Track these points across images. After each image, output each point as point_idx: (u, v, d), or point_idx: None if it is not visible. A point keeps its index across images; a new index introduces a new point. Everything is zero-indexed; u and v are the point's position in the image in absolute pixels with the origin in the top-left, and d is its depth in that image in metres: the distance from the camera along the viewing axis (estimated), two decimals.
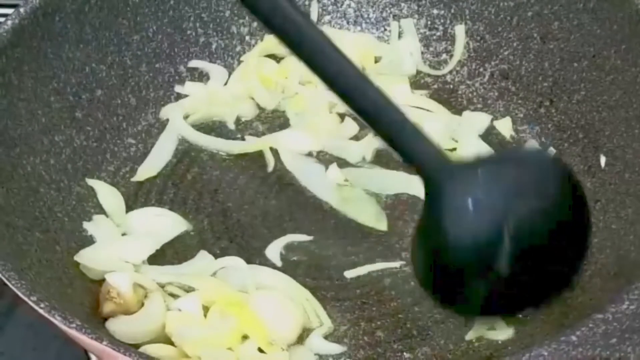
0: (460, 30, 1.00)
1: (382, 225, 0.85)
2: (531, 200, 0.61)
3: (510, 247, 0.59)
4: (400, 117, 0.60)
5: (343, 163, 0.91)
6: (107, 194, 0.87)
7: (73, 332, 0.60)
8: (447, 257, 0.62)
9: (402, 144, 0.61)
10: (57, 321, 0.60)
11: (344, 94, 0.60)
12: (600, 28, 0.88)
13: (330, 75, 0.60)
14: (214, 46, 1.01)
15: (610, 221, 0.81)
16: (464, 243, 0.61)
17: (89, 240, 0.83)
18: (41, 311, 0.61)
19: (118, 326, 0.74)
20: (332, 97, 0.64)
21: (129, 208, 0.87)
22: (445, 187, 0.60)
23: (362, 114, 0.61)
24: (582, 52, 0.90)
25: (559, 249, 0.63)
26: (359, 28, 1.04)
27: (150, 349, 0.72)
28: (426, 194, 0.62)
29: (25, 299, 0.62)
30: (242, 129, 0.96)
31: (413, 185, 0.86)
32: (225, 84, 1.00)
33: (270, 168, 0.91)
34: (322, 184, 0.89)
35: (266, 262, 0.82)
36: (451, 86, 1.00)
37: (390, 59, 1.01)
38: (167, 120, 0.96)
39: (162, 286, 0.78)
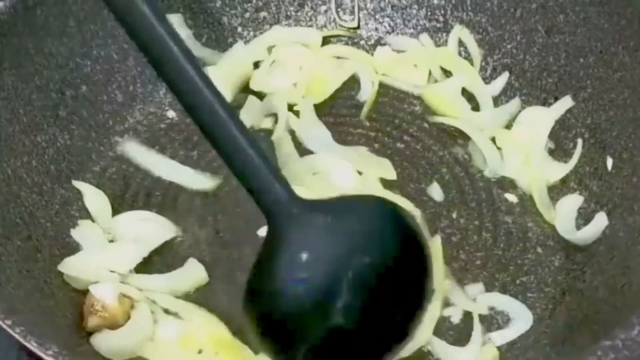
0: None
1: None
2: (369, 252, 0.58)
3: (347, 299, 0.56)
4: (251, 150, 0.58)
5: None
6: (93, 197, 0.83)
7: None
8: (278, 304, 0.57)
9: (248, 176, 0.59)
10: (33, 347, 0.57)
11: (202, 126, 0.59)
12: (607, 22, 0.84)
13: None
14: (204, 38, 0.97)
15: (617, 228, 0.77)
16: (297, 292, 0.57)
17: (73, 247, 0.79)
18: (17, 336, 0.57)
19: (103, 342, 0.70)
20: None
21: (115, 211, 0.83)
22: (287, 233, 0.58)
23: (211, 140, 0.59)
24: (588, 47, 0.86)
25: (397, 300, 0.59)
26: (355, 20, 1.00)
27: None
28: (268, 232, 0.60)
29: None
30: None
31: None
32: None
33: None
34: None
35: None
36: None
37: None
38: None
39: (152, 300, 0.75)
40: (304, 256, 0.57)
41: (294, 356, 0.57)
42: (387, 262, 0.58)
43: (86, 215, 0.82)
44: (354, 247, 0.57)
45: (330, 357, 0.58)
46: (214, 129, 0.58)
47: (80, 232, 0.80)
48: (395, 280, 0.58)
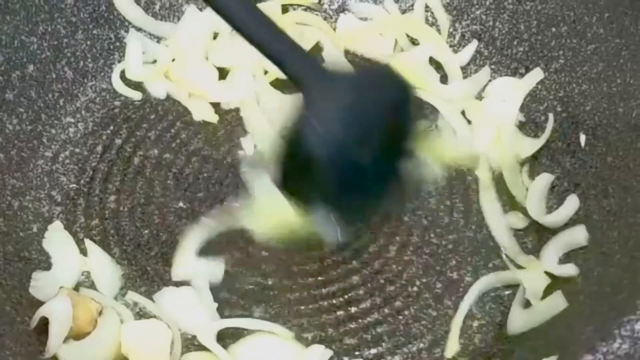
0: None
1: None
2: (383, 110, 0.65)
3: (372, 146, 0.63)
4: (282, 36, 0.63)
5: None
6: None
7: None
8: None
9: (285, 59, 0.63)
10: None
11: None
12: None
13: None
14: (157, 6, 0.92)
15: (592, 210, 0.75)
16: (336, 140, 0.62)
17: (27, 241, 0.76)
18: None
19: (69, 353, 0.67)
20: None
21: (72, 201, 0.80)
22: (322, 94, 0.63)
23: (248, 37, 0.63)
24: (560, 16, 0.83)
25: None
26: None
27: None
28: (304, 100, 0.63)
29: None
30: None
31: None
32: None
33: None
34: None
35: None
36: None
37: None
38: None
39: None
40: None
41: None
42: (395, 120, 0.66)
43: (41, 208, 0.79)
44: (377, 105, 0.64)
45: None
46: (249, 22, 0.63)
47: (50, 242, 0.76)
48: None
